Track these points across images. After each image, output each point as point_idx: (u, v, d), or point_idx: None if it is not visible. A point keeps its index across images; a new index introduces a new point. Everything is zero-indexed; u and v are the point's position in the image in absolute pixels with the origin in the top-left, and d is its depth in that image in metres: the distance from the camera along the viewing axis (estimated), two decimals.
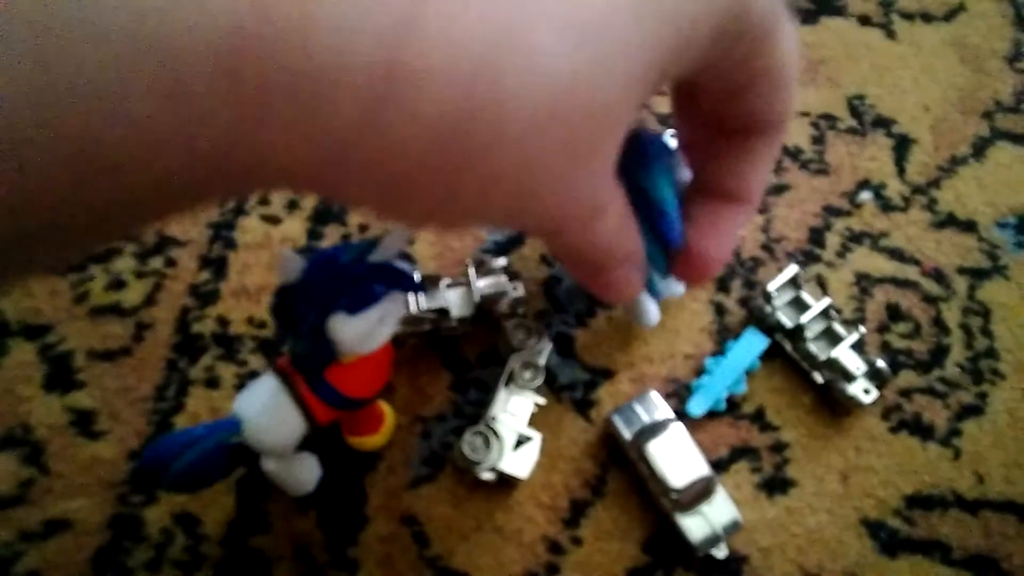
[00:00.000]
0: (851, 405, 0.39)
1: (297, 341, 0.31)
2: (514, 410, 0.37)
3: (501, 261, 0.40)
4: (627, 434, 0.37)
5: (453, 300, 0.39)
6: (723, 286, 0.43)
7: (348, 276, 0.28)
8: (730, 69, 0.17)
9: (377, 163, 0.14)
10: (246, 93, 0.12)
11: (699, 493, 0.35)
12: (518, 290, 0.40)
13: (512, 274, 0.40)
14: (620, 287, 0.21)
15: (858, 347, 0.39)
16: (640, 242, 0.20)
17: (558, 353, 0.41)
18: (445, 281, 0.39)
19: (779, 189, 0.46)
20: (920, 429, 0.40)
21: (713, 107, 0.19)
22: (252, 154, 0.13)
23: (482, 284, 0.39)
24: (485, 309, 0.39)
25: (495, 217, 0.17)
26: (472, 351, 0.40)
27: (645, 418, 0.37)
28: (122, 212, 0.13)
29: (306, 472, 0.35)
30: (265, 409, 0.31)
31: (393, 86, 0.13)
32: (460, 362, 0.40)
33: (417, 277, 0.30)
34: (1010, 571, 0.37)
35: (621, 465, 0.38)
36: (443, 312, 0.39)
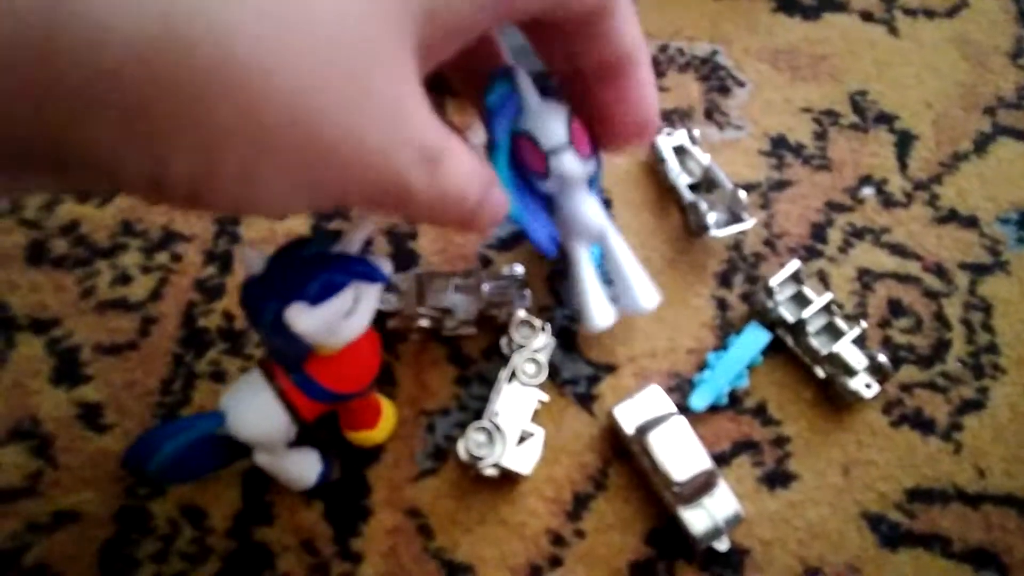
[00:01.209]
0: (852, 399, 0.39)
1: (264, 334, 0.31)
2: (517, 406, 0.37)
3: (518, 269, 0.40)
4: (629, 428, 0.37)
5: (459, 302, 0.39)
6: (725, 281, 0.43)
7: (308, 267, 0.27)
8: None
9: (102, 101, 0.14)
10: None
11: (701, 486, 0.35)
12: (525, 299, 0.40)
13: (523, 283, 0.40)
14: (498, 216, 0.21)
15: (859, 342, 0.40)
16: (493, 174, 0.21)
17: (561, 347, 0.41)
18: (455, 281, 0.40)
19: (781, 184, 0.46)
20: (921, 423, 0.40)
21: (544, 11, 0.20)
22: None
23: (487, 288, 0.39)
24: (487, 315, 0.40)
25: (307, 169, 0.16)
26: (476, 346, 0.41)
27: (647, 412, 0.37)
28: None
29: (301, 467, 0.35)
30: (247, 402, 0.31)
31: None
32: (464, 357, 0.41)
33: (388, 269, 0.29)
34: (1010, 565, 0.37)
35: (623, 459, 0.38)
36: (446, 311, 0.39)
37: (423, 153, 0.18)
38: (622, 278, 0.31)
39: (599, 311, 0.31)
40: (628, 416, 0.37)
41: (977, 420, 0.41)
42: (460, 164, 0.19)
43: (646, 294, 0.31)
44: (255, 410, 0.31)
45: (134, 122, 0.14)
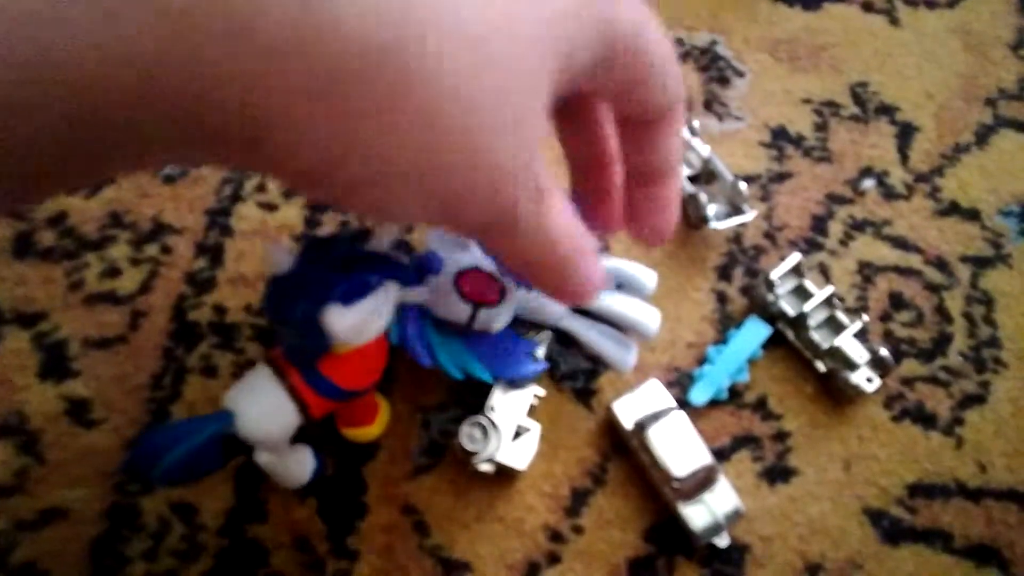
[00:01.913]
0: (853, 394, 0.38)
1: (290, 333, 0.30)
2: (513, 401, 0.36)
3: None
4: (628, 423, 0.36)
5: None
6: (725, 274, 0.42)
7: (341, 266, 0.28)
8: (613, 71, 0.19)
9: (303, 87, 0.14)
10: (171, 15, 0.12)
11: (701, 482, 0.35)
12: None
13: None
14: (594, 279, 0.21)
15: (861, 335, 0.39)
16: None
17: (558, 342, 0.40)
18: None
19: (781, 177, 0.46)
20: (923, 418, 0.40)
21: (615, 107, 0.21)
22: (181, 80, 0.13)
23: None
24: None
25: (441, 179, 0.16)
26: None
27: (647, 407, 0.37)
28: (70, 154, 0.14)
29: (300, 465, 0.35)
30: (258, 401, 0.30)
31: None
32: None
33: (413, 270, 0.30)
34: (1012, 560, 0.37)
35: (622, 454, 0.38)
36: None
37: (537, 189, 0.18)
38: (618, 325, 0.36)
39: (621, 360, 0.36)
40: (627, 411, 0.37)
41: (979, 414, 0.40)
42: (561, 209, 0.19)
43: (646, 323, 0.36)
44: (267, 408, 0.30)
45: (330, 106, 0.14)
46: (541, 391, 0.37)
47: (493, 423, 0.36)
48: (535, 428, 0.36)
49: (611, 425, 0.38)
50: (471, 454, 0.35)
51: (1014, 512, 0.38)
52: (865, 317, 0.39)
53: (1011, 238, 0.45)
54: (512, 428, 0.36)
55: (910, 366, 0.41)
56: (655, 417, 0.36)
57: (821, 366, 0.39)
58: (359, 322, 0.28)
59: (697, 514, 0.35)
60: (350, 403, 0.34)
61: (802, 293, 0.40)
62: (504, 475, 0.37)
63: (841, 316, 0.40)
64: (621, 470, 0.38)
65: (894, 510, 0.38)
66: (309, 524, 0.36)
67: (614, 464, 0.38)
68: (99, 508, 0.35)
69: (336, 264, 0.28)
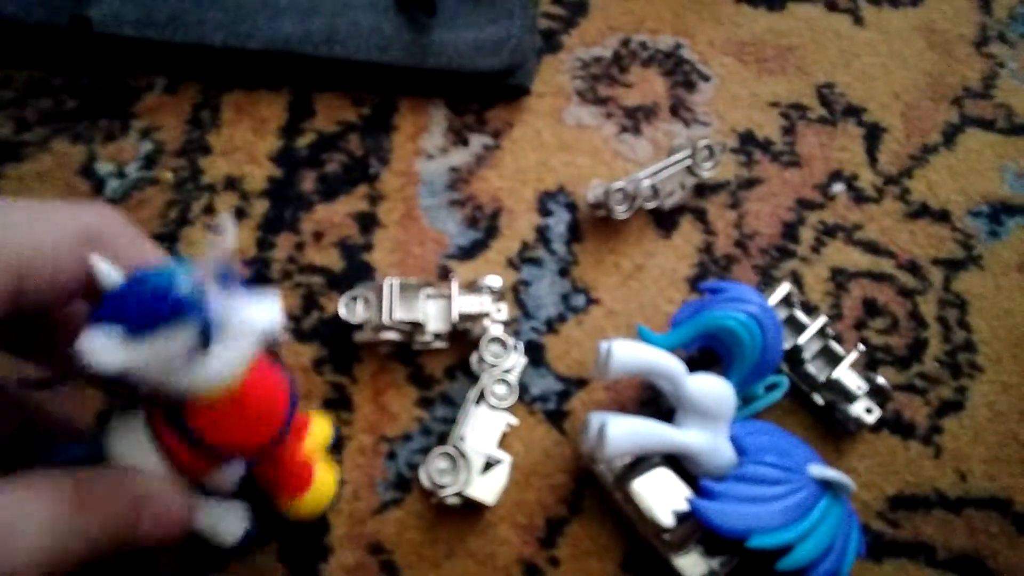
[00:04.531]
0: (855, 428, 0.37)
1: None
2: (484, 430, 0.35)
3: (495, 281, 0.38)
4: (609, 476, 0.35)
5: (432, 313, 0.37)
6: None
7: (131, 291, 0.22)
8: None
9: None
10: None
11: (692, 529, 0.33)
12: (502, 312, 0.38)
13: (500, 295, 0.38)
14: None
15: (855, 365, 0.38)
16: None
17: (529, 362, 0.39)
18: (425, 291, 0.37)
19: (750, 183, 0.44)
20: (901, 427, 0.39)
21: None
22: None
23: (463, 301, 0.37)
24: (460, 329, 0.37)
25: None
26: (439, 365, 0.38)
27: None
28: None
29: (222, 522, 0.29)
30: (125, 450, 0.25)
31: None
32: (425, 377, 0.38)
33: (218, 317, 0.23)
34: (996, 570, 0.36)
35: (597, 480, 0.36)
36: (417, 325, 0.36)
37: None
38: None
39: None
40: (608, 465, 0.35)
41: (956, 422, 0.39)
42: None
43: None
44: (131, 455, 0.25)
45: None
46: (515, 420, 0.36)
47: (463, 454, 0.34)
48: (506, 460, 0.34)
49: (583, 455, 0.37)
50: (439, 487, 0.33)
51: (995, 521, 0.37)
52: (862, 347, 0.38)
53: (981, 239, 0.44)
54: (482, 459, 0.34)
55: (886, 374, 0.40)
56: (635, 469, 0.34)
57: (819, 399, 0.38)
58: (133, 359, 0.21)
59: (692, 564, 0.33)
60: (265, 468, 0.29)
61: (795, 325, 0.39)
62: (474, 507, 0.35)
63: (835, 346, 0.38)
64: (597, 496, 0.36)
65: (876, 524, 0.37)
66: (271, 570, 0.34)
67: (589, 489, 0.36)
68: None
69: (131, 289, 0.22)
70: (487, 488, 0.33)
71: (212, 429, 0.25)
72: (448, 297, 0.37)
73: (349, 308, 0.36)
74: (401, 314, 0.36)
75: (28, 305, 0.23)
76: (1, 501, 0.21)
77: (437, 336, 0.37)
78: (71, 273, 0.23)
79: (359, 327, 0.36)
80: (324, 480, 0.32)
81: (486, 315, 0.37)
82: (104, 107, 0.43)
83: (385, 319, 0.35)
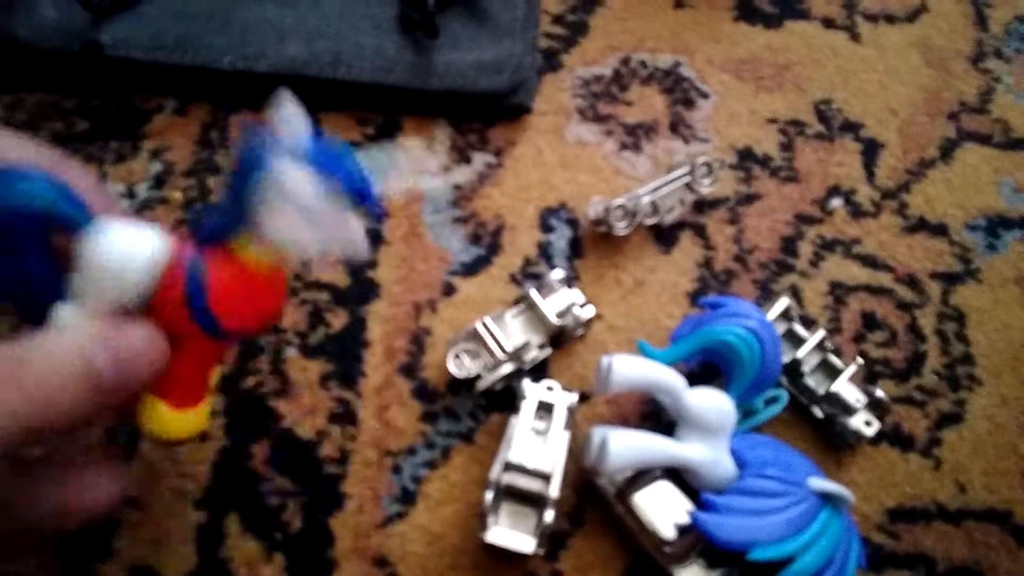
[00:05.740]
0: (855, 441, 0.38)
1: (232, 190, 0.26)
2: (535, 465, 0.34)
3: (558, 273, 0.40)
4: (611, 489, 0.35)
5: (526, 328, 0.39)
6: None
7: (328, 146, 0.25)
8: None
9: None
10: None
11: (694, 541, 0.34)
12: (587, 307, 0.40)
13: (570, 279, 0.40)
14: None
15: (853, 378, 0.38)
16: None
17: (532, 378, 0.39)
18: (508, 314, 0.39)
19: (749, 198, 0.45)
20: (900, 440, 0.39)
21: None
22: None
23: (549, 304, 0.39)
24: (558, 329, 0.39)
25: None
26: (441, 379, 0.39)
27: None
28: None
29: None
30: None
31: None
32: (429, 391, 0.39)
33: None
34: None
35: (599, 493, 0.37)
36: (524, 346, 0.38)
37: None
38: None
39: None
40: (609, 478, 0.36)
41: (956, 434, 0.40)
42: None
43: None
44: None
45: None
46: (574, 396, 0.37)
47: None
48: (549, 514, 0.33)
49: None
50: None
51: (995, 533, 0.38)
52: (860, 360, 0.38)
53: (979, 252, 0.45)
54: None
55: (886, 387, 0.40)
56: (636, 482, 0.35)
57: (818, 412, 0.38)
58: (305, 196, 0.24)
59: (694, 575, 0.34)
60: (179, 360, 0.26)
61: (793, 338, 0.39)
62: (479, 518, 0.35)
63: (834, 359, 0.39)
64: (599, 509, 0.37)
65: (876, 537, 0.37)
66: None
67: (592, 503, 0.37)
68: None
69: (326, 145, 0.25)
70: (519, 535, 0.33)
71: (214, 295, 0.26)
72: (533, 307, 0.39)
73: (459, 365, 0.37)
74: (510, 344, 0.37)
75: None
76: None
77: (541, 347, 0.39)
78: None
79: (478, 377, 0.38)
80: (203, 411, 0.28)
81: (573, 304, 0.39)
82: (114, 129, 0.44)
83: (500, 355, 0.37)
